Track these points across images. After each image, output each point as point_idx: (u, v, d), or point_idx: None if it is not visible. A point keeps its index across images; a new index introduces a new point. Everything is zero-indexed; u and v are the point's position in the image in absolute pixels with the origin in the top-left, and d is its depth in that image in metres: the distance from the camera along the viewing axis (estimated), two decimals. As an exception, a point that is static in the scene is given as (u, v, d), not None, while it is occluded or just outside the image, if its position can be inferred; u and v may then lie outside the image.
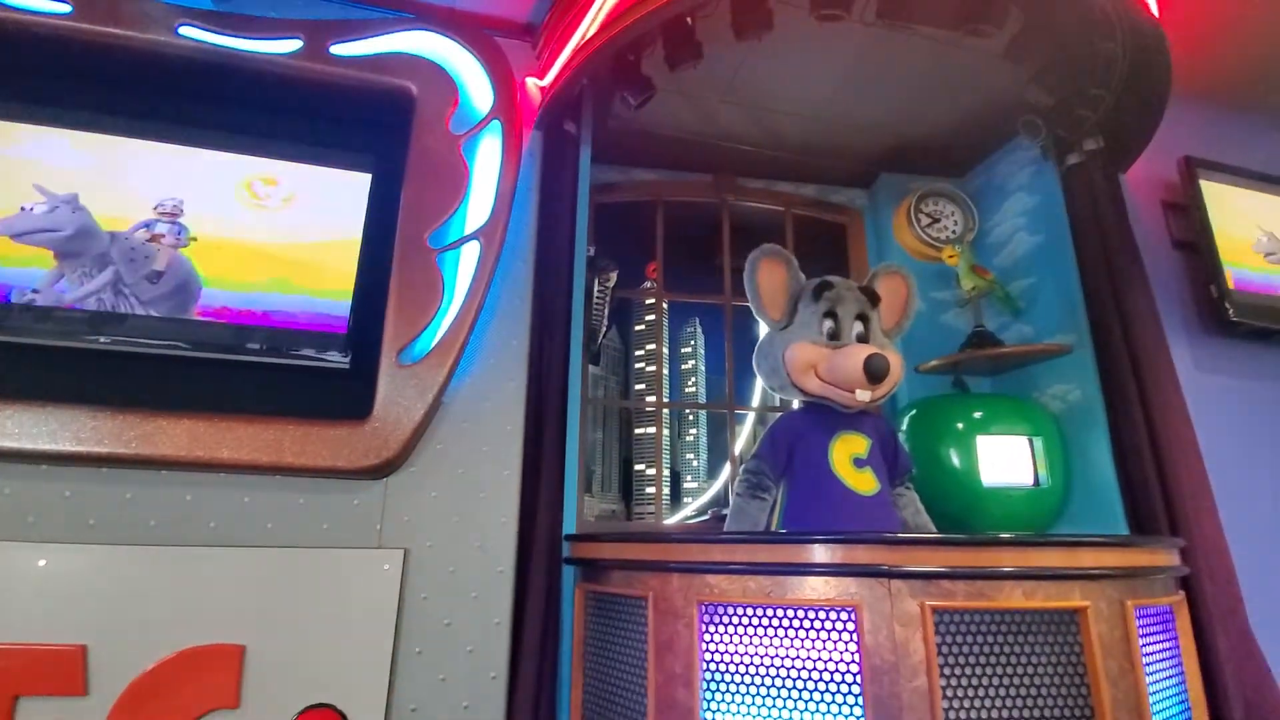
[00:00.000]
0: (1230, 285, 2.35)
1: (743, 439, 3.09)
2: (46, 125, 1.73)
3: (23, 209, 1.66)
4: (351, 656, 1.54)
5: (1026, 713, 1.23)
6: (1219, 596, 1.79)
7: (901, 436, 2.34)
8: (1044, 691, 1.25)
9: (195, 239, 1.73)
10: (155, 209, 1.72)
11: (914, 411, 2.38)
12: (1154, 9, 1.84)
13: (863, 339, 1.88)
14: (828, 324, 1.87)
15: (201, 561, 1.52)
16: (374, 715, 1.50)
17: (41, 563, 1.45)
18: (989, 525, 2.14)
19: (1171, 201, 2.44)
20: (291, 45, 1.83)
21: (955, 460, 2.17)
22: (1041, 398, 2.35)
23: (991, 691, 1.23)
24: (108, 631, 1.44)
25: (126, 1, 1.77)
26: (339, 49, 1.86)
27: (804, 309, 1.89)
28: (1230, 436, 2.21)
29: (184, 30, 1.76)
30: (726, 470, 2.66)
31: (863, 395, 1.76)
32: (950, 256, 2.43)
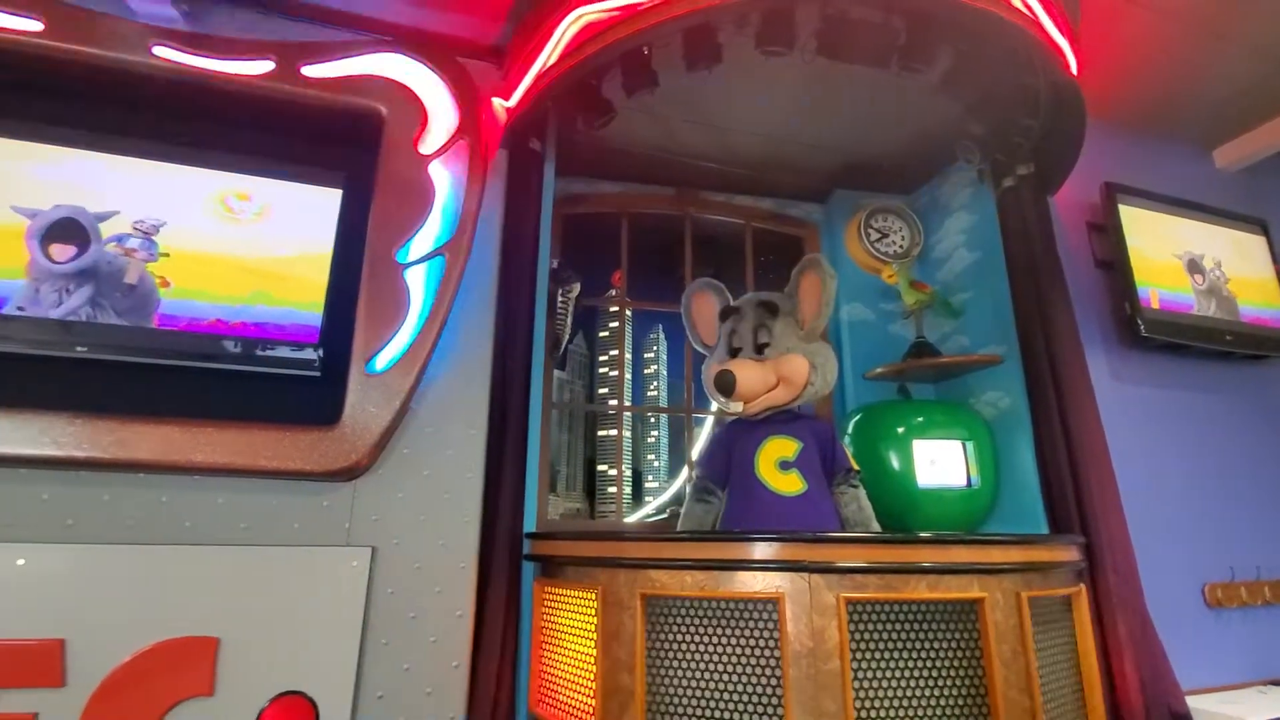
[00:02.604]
0: (1155, 304, 2.55)
1: (701, 442, 3.22)
2: (25, 140, 1.78)
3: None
4: (322, 647, 1.64)
5: (929, 689, 1.39)
6: (1121, 588, 1.97)
7: (846, 439, 2.50)
8: (945, 671, 1.41)
9: (166, 254, 1.81)
10: (134, 225, 1.78)
11: (859, 416, 2.54)
12: (1073, 67, 1.99)
13: (764, 348, 2.03)
14: (733, 341, 2.03)
15: (178, 559, 1.61)
16: (342, 702, 1.61)
17: (20, 561, 1.52)
18: (924, 524, 2.30)
19: (1095, 223, 2.63)
20: (264, 66, 1.91)
21: (895, 462, 2.33)
22: (977, 404, 2.51)
23: (897, 671, 1.38)
24: (85, 626, 1.52)
25: (100, 20, 1.83)
26: (310, 70, 1.94)
27: (720, 332, 2.07)
28: (1141, 440, 2.40)
29: (158, 50, 1.83)
30: (685, 471, 2.79)
31: (734, 406, 1.92)
32: (889, 276, 2.58)
